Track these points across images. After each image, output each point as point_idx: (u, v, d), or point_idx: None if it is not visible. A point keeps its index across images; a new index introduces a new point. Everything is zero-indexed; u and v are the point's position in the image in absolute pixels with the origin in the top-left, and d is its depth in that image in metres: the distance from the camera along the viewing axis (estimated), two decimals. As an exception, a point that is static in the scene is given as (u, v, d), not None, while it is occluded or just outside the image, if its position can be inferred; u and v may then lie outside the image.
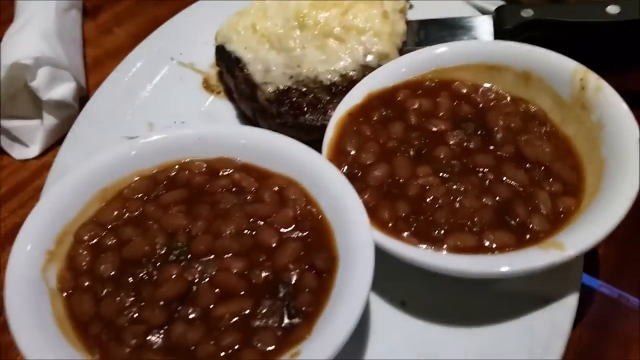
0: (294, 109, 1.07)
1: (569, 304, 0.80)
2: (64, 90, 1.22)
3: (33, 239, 0.81)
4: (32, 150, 1.23)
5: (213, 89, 1.26)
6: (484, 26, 1.18)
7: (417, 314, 0.85)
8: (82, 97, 1.31)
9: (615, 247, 0.97)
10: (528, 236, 0.80)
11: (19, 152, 1.23)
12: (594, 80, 0.89)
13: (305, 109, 1.07)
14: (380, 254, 0.78)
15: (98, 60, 1.45)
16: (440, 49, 1.01)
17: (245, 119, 1.17)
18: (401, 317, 0.85)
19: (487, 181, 0.86)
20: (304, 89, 1.09)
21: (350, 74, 1.08)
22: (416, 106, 0.97)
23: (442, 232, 0.81)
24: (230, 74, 1.17)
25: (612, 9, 1.08)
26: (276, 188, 0.88)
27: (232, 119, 1.20)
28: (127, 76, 1.25)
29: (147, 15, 1.55)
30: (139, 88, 1.23)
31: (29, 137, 1.24)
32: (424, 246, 0.80)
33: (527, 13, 1.12)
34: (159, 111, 1.19)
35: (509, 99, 0.97)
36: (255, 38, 1.16)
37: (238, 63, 1.16)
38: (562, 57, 0.93)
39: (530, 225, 0.80)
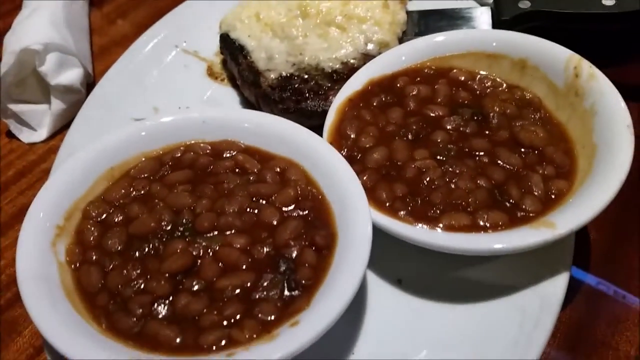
0: (296, 95, 1.10)
1: (560, 282, 0.83)
2: (71, 75, 1.25)
3: (43, 214, 0.84)
4: (40, 134, 1.26)
5: (217, 76, 1.29)
6: (483, 17, 1.21)
7: (412, 291, 0.88)
8: (89, 83, 1.34)
9: (606, 232, 1.00)
10: (521, 216, 0.83)
11: (27, 136, 1.26)
12: (587, 68, 0.92)
13: (307, 95, 1.10)
14: (378, 234, 0.81)
15: (104, 49, 1.48)
16: (439, 37, 1.04)
17: (248, 105, 1.20)
18: (397, 294, 0.88)
19: (482, 164, 0.89)
20: (306, 76, 1.11)
21: (351, 61, 1.11)
22: (415, 92, 1.00)
23: (438, 211, 0.84)
24: (234, 61, 1.20)
25: (608, 1, 1.10)
26: (278, 169, 0.91)
27: (235, 105, 1.23)
28: (133, 63, 1.28)
29: (152, 4, 1.58)
30: (145, 74, 1.27)
31: (37, 121, 1.27)
32: (420, 225, 0.83)
33: (524, 4, 1.15)
34: (164, 97, 1.22)
35: (505, 86, 1.00)
36: (258, 26, 1.19)
37: (242, 51, 1.19)
38: (556, 45, 0.96)
39: (523, 206, 0.83)
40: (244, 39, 1.19)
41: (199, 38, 1.34)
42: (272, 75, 1.13)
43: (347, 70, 1.10)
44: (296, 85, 1.11)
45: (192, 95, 1.24)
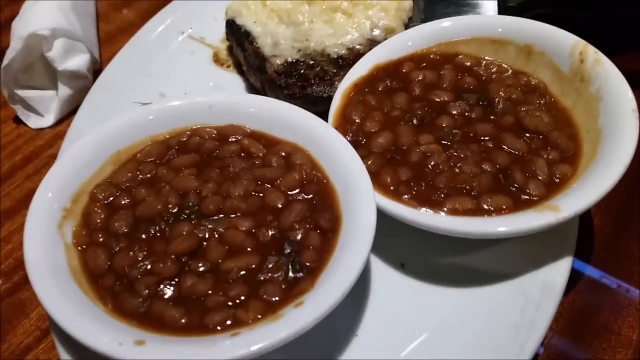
0: (302, 81, 1.10)
1: (562, 267, 0.83)
2: (78, 61, 1.26)
3: (50, 197, 0.85)
4: (47, 119, 1.27)
5: (223, 63, 1.29)
6: (489, 4, 1.21)
7: (415, 275, 0.88)
8: (96, 69, 1.35)
9: (610, 218, 1.00)
10: (525, 200, 0.83)
11: (34, 122, 1.27)
12: (593, 53, 0.91)
13: (313, 80, 1.10)
14: (382, 218, 0.81)
15: (111, 35, 1.49)
16: (445, 23, 1.04)
17: (254, 91, 1.21)
18: (400, 278, 0.88)
19: (487, 149, 0.89)
20: (312, 62, 1.12)
21: (357, 47, 1.11)
22: (420, 78, 1.00)
23: (442, 195, 0.84)
24: (240, 47, 1.20)
25: (616, -13, 1.10)
26: (283, 154, 0.92)
27: (241, 91, 1.24)
28: (140, 49, 1.29)
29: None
30: (151, 61, 1.27)
31: (44, 106, 1.28)
32: (424, 209, 0.83)
33: (530, -10, 1.14)
34: (171, 83, 1.23)
35: (510, 72, 1.00)
36: (264, 12, 1.20)
37: (248, 36, 1.19)
38: (562, 31, 0.96)
39: (527, 190, 0.84)
40: (250, 25, 1.19)
41: (205, 24, 1.34)
42: (278, 61, 1.13)
43: (353, 56, 1.10)
44: (302, 71, 1.11)
45: (198, 82, 1.24)
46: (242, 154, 0.93)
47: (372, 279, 0.89)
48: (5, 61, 1.20)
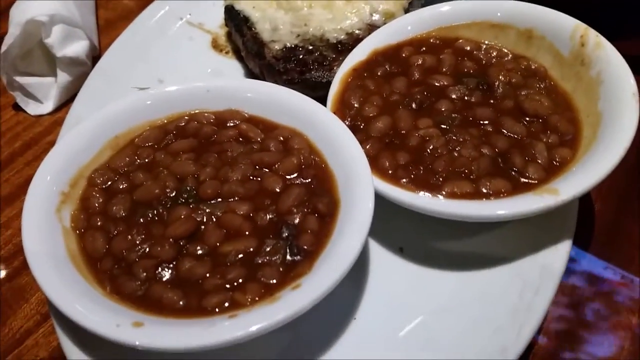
0: (301, 66, 1.10)
1: (562, 249, 0.82)
2: (77, 47, 1.26)
3: (48, 181, 0.85)
4: (46, 106, 1.27)
5: (222, 49, 1.28)
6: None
7: (414, 259, 0.88)
8: (95, 56, 1.34)
9: (611, 203, 0.99)
10: (524, 183, 0.83)
11: (33, 108, 1.27)
12: (594, 37, 0.91)
13: (312, 66, 1.09)
14: (381, 202, 0.81)
15: (110, 22, 1.49)
16: (445, 7, 1.04)
17: (253, 76, 1.20)
18: (399, 262, 0.88)
19: (486, 133, 0.89)
20: (311, 47, 1.11)
21: (356, 32, 1.10)
22: (420, 62, 0.99)
23: (440, 179, 0.84)
24: (239, 32, 1.19)
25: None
26: (281, 138, 0.91)
27: (240, 77, 1.23)
28: (138, 35, 1.28)
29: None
30: (150, 47, 1.27)
31: (43, 93, 1.28)
32: (422, 192, 0.83)
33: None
34: (169, 69, 1.23)
35: (510, 56, 0.99)
36: (263, -2, 1.19)
37: (246, 22, 1.18)
38: (563, 15, 0.95)
39: (527, 173, 0.83)
40: (249, 10, 1.19)
41: (203, 10, 1.34)
42: (277, 47, 1.12)
43: (352, 41, 1.09)
44: (300, 56, 1.11)
45: (197, 68, 1.24)
46: (240, 139, 0.92)
47: (370, 262, 0.89)
48: (3, 47, 1.20)
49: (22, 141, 1.22)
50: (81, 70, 1.27)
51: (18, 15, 1.22)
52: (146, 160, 0.90)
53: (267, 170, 0.87)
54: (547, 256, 0.82)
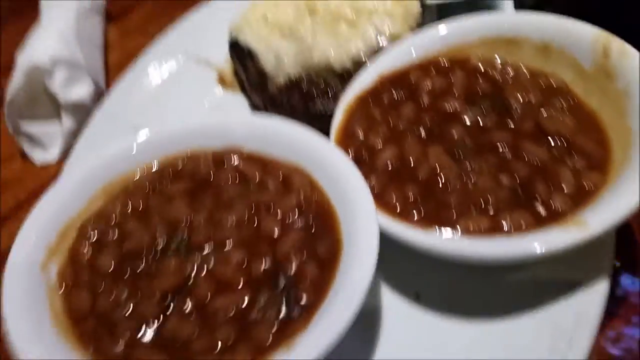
0: (305, 98, 1.04)
1: (598, 293, 0.72)
2: (81, 91, 1.23)
3: (34, 235, 0.80)
4: (52, 153, 1.24)
5: (228, 84, 1.24)
6: (505, 8, 1.11)
7: (432, 307, 0.79)
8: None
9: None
10: (548, 216, 0.73)
11: (39, 156, 1.24)
12: (618, 45, 0.81)
13: (316, 97, 1.03)
14: (392, 243, 0.73)
15: (121, 64, 1.45)
16: (453, 24, 0.96)
17: (258, 111, 1.15)
18: (415, 310, 0.79)
19: (505, 159, 0.80)
20: (315, 77, 1.05)
21: (363, 59, 1.04)
22: (429, 86, 0.91)
23: (455, 215, 0.75)
24: (243, 66, 1.14)
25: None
26: (281, 176, 0.85)
27: (245, 112, 1.18)
28: (143, 73, 1.25)
29: (170, 18, 1.54)
30: (154, 85, 1.23)
31: (49, 140, 1.25)
32: (435, 231, 0.74)
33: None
34: (174, 106, 1.19)
35: (527, 73, 0.90)
36: (266, 28, 1.13)
37: (250, 55, 1.13)
38: (581, 24, 0.86)
39: (552, 204, 0.74)
40: (253, 43, 1.13)
41: (209, 46, 1.29)
42: (281, 79, 1.07)
43: (358, 69, 1.02)
44: (305, 88, 1.05)
45: (203, 104, 1.20)
46: (238, 179, 0.86)
47: (383, 311, 0.80)
48: (8, 96, 1.19)
49: (27, 191, 1.19)
50: (87, 115, 1.24)
51: (22, 62, 1.21)
52: (139, 207, 0.85)
53: (264, 212, 0.81)
54: (582, 299, 0.72)
